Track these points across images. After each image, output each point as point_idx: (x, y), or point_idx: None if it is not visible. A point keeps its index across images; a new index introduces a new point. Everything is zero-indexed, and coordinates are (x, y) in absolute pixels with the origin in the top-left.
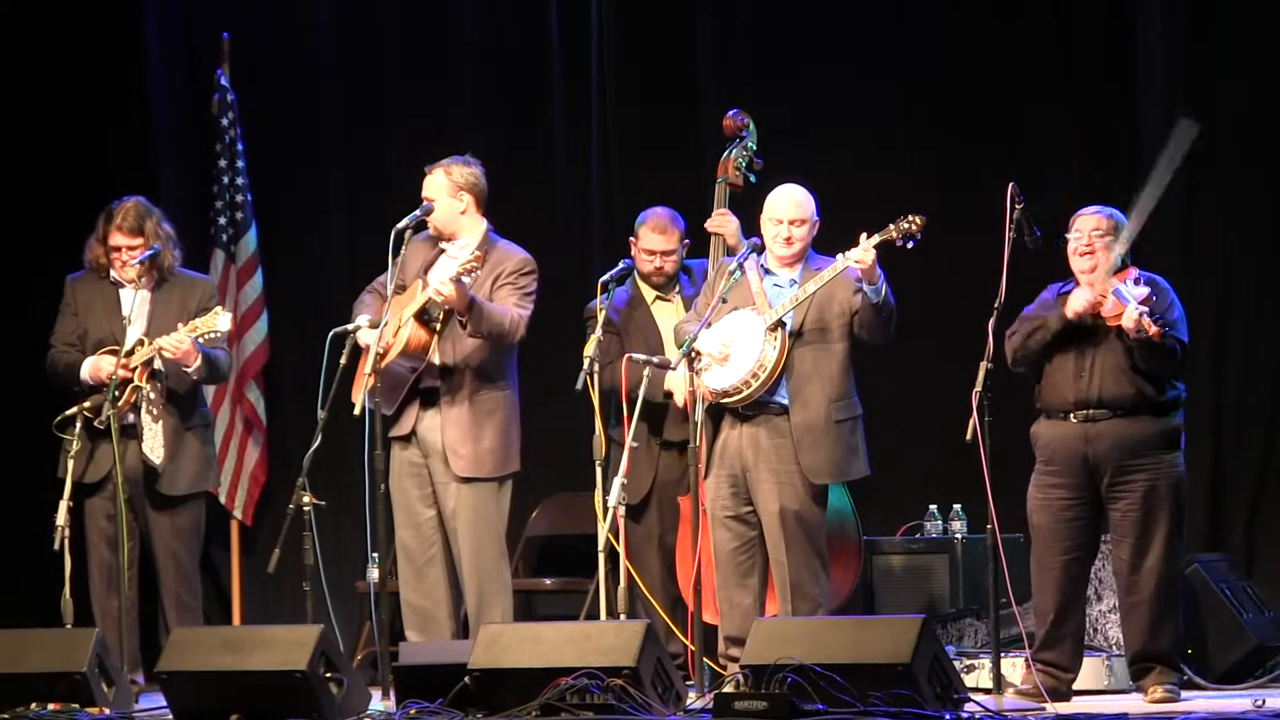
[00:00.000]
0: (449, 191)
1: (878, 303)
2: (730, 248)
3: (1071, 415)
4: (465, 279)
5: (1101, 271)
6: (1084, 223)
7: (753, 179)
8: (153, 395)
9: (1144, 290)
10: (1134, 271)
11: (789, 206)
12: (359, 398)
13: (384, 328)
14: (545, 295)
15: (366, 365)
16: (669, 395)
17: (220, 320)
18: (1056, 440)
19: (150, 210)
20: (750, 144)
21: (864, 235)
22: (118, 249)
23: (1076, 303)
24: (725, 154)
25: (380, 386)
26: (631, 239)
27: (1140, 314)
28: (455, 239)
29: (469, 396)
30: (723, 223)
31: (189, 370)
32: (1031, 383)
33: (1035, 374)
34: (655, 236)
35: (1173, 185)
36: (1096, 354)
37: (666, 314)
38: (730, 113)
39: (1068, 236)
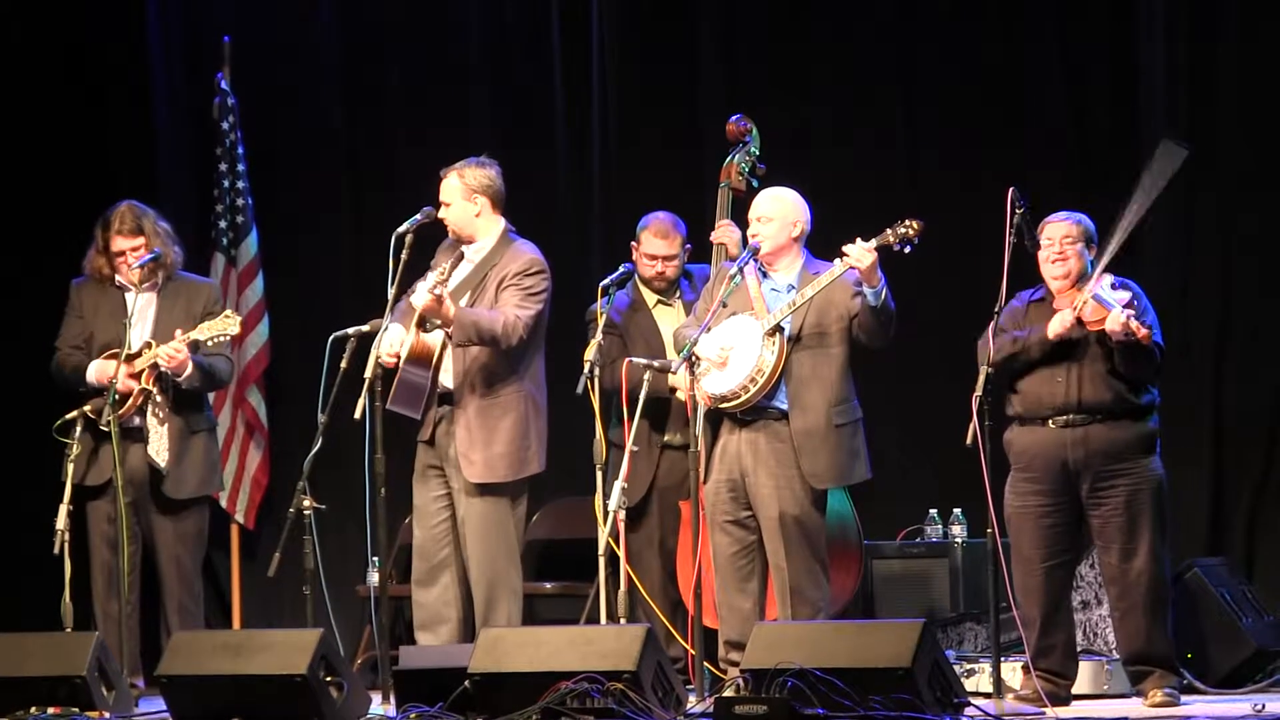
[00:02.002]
0: (463, 194)
1: (877, 305)
2: (732, 257)
3: (1051, 421)
4: (437, 289)
5: (1071, 279)
6: (1054, 230)
7: (755, 184)
8: (159, 398)
9: (1125, 294)
10: (1109, 276)
11: (759, 205)
12: (365, 402)
13: (384, 333)
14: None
15: (367, 369)
16: (673, 390)
17: (231, 325)
18: (1035, 446)
19: (145, 210)
20: (753, 149)
21: (860, 239)
22: (121, 253)
23: (1058, 325)
24: (728, 159)
25: (399, 393)
26: (633, 243)
27: (1127, 317)
28: (473, 241)
29: (479, 401)
30: (726, 234)
31: (180, 379)
32: (1003, 387)
33: (1010, 382)
34: (657, 241)
35: (1161, 199)
36: (1074, 360)
37: (668, 318)
38: (733, 118)
39: (1039, 242)
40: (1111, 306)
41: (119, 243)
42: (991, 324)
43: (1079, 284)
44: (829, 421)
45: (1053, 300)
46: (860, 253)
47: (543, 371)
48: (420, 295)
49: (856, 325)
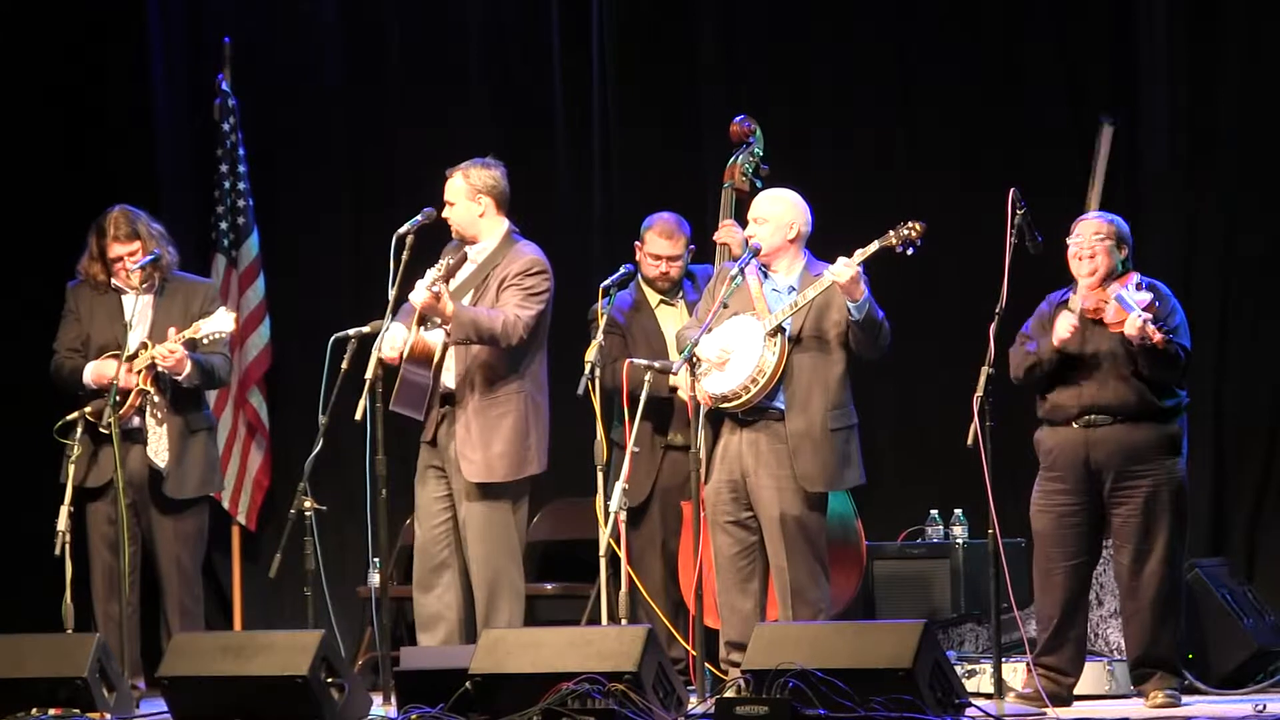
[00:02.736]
0: (467, 195)
1: (860, 319)
2: (735, 258)
3: (1074, 421)
4: (435, 287)
5: (1099, 277)
6: (1084, 227)
7: (759, 185)
8: (157, 399)
9: (1147, 296)
10: (1135, 276)
11: (756, 206)
12: (366, 403)
13: (385, 336)
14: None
15: (367, 370)
16: (673, 390)
17: (224, 321)
18: (1059, 446)
19: (137, 214)
20: (757, 150)
21: (843, 257)
22: (118, 259)
23: (1061, 331)
24: (731, 160)
25: (401, 393)
26: (637, 243)
27: (1144, 321)
28: (477, 242)
29: (479, 401)
30: (730, 234)
31: (180, 378)
32: (1033, 391)
33: (1041, 384)
34: (661, 241)
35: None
36: (1099, 360)
37: (671, 318)
38: (737, 119)
39: (1068, 241)
40: (1131, 309)
41: (116, 249)
42: (992, 326)
43: (1106, 283)
44: (824, 425)
45: (1072, 338)
46: (838, 270)
47: (544, 372)
48: (419, 292)
49: (850, 335)
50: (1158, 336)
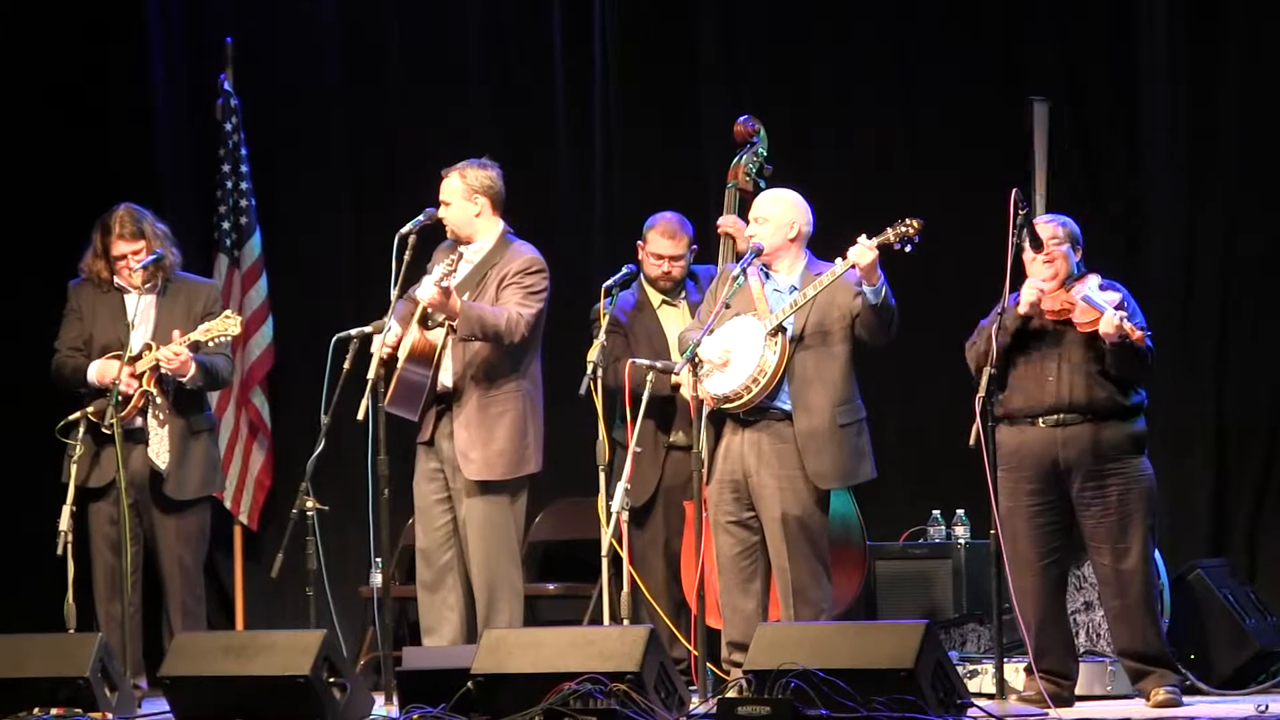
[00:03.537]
0: (464, 195)
1: (877, 304)
2: (739, 253)
3: (1041, 420)
4: (445, 283)
5: (1060, 280)
6: (1040, 231)
7: (763, 185)
8: (160, 400)
9: (1115, 296)
10: (1096, 277)
11: (757, 206)
12: (368, 403)
13: (387, 334)
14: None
15: (369, 370)
16: (676, 387)
17: (232, 325)
18: (1024, 447)
19: (143, 212)
20: (761, 150)
21: (863, 237)
22: (122, 257)
23: (1026, 295)
24: (735, 160)
25: (398, 393)
26: (639, 243)
27: (1120, 318)
28: (472, 242)
29: (478, 399)
30: (735, 224)
31: (184, 380)
32: (1000, 382)
33: (1000, 381)
34: (664, 241)
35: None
36: (1062, 359)
37: (673, 318)
38: (741, 119)
39: (1025, 245)
40: (1103, 309)
41: (120, 247)
42: (994, 327)
43: (1066, 284)
44: (833, 421)
45: (1039, 301)
46: (860, 251)
47: (540, 371)
48: (426, 289)
49: (859, 324)
50: (1137, 334)
